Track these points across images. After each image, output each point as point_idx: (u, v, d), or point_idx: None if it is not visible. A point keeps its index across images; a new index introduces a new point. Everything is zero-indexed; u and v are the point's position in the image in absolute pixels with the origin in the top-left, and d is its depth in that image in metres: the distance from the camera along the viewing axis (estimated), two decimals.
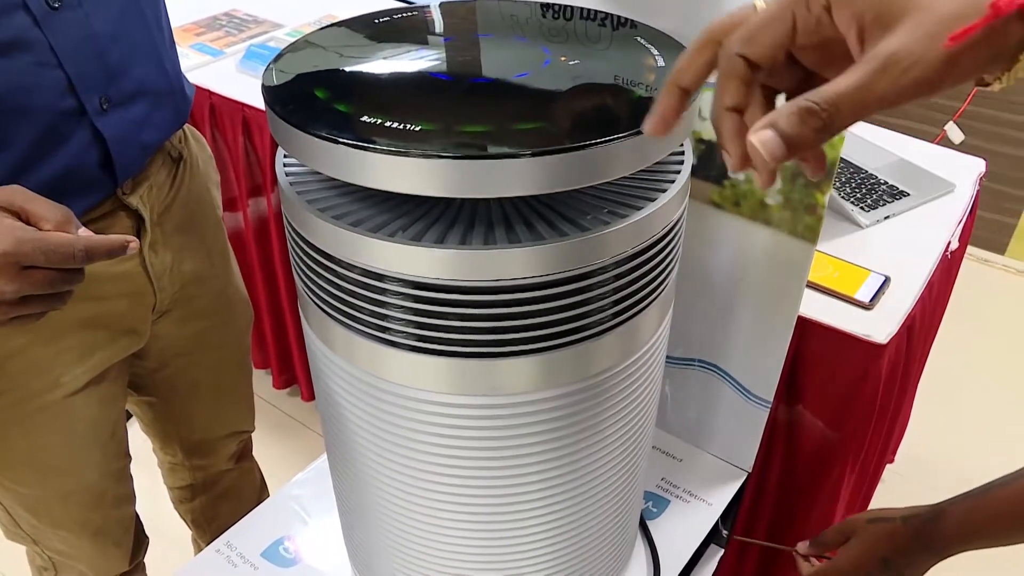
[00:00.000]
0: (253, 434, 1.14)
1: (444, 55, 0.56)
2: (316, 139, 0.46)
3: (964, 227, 1.15)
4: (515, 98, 0.52)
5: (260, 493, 1.18)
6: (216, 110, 1.35)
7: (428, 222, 0.51)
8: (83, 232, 0.54)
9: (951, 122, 2.10)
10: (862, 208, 1.10)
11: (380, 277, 0.50)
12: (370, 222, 0.51)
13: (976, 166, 1.23)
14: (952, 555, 0.68)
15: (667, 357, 0.90)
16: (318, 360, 0.62)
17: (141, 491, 0.97)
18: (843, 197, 1.12)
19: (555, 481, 0.61)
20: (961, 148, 1.47)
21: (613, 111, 0.50)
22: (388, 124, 0.46)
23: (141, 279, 0.78)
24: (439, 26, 0.62)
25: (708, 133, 0.74)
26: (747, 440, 0.87)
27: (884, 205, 1.11)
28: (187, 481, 1.09)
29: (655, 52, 0.56)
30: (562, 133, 0.47)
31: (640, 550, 0.81)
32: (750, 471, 0.90)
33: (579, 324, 0.53)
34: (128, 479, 0.92)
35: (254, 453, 1.17)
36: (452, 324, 0.51)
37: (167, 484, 1.12)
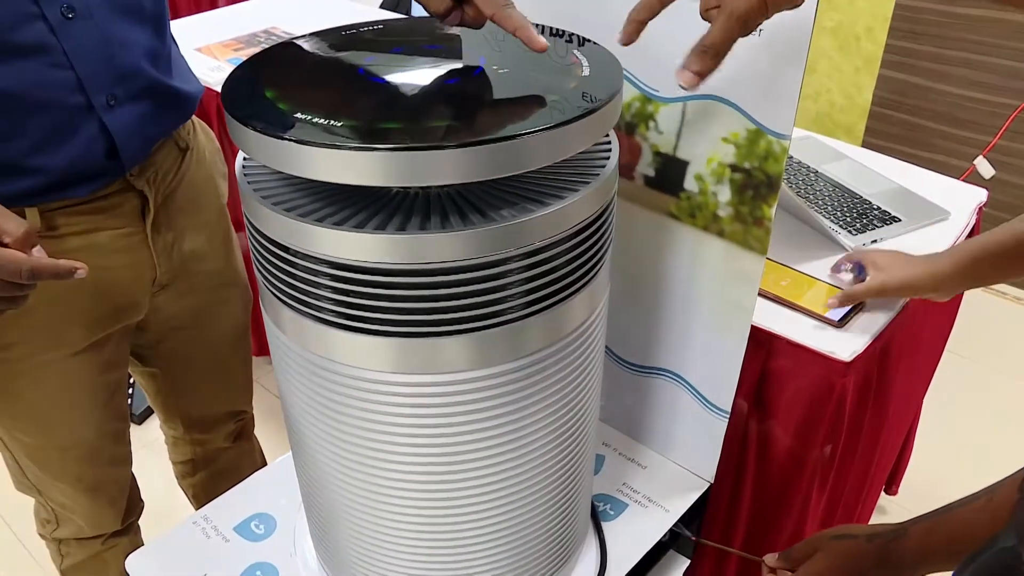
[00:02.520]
0: (259, 417, 1.21)
1: (389, 63, 0.62)
2: (254, 133, 0.51)
3: None
4: (436, 99, 0.58)
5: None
6: None
7: (371, 212, 0.56)
8: (37, 252, 0.62)
9: (981, 156, 2.08)
10: (849, 231, 1.11)
11: (321, 261, 0.55)
12: (318, 212, 0.56)
13: (977, 195, 1.23)
14: None
15: (632, 365, 0.93)
16: (273, 344, 0.67)
17: (156, 477, 1.04)
18: (831, 220, 1.13)
19: (493, 461, 0.65)
20: (990, 183, 1.45)
21: (524, 112, 0.54)
22: (319, 120, 0.51)
23: (143, 253, 0.86)
24: (398, 37, 0.68)
25: (665, 146, 0.78)
26: (707, 449, 0.89)
27: (873, 229, 1.12)
28: (188, 456, 1.16)
29: (585, 64, 0.60)
30: (476, 129, 0.51)
31: (591, 549, 0.84)
32: (711, 481, 0.92)
33: (506, 306, 0.57)
34: (125, 443, 0.99)
35: (259, 435, 1.24)
36: (386, 305, 0.56)
37: (171, 459, 1.20)
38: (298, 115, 0.52)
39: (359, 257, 0.53)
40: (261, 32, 1.76)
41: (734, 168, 0.74)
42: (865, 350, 0.92)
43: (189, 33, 1.77)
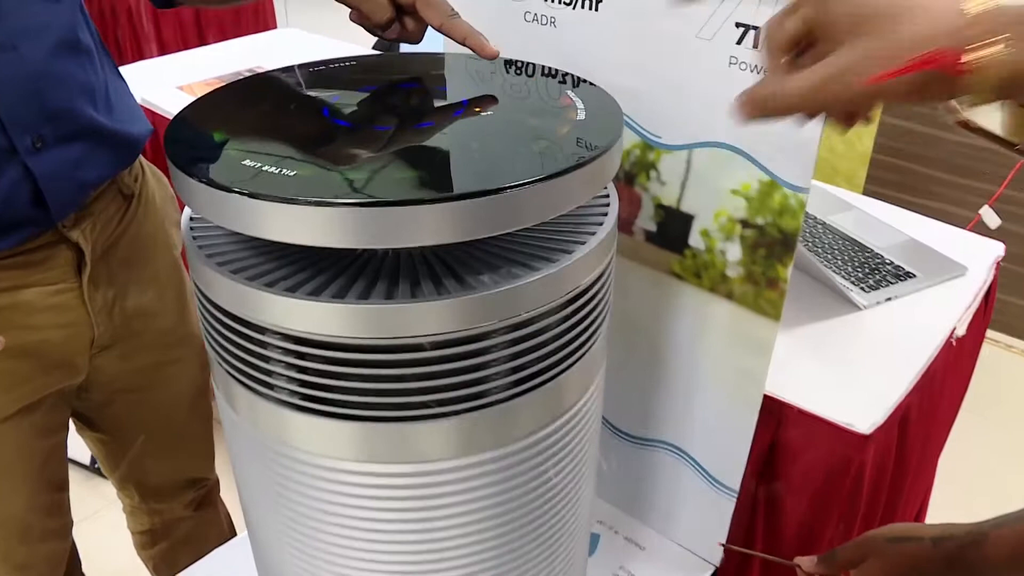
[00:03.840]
0: (227, 480, 1.11)
1: (357, 103, 0.55)
2: (195, 182, 0.44)
3: (977, 313, 1.08)
4: (409, 145, 0.50)
5: (228, 540, 1.14)
6: None
7: (332, 275, 0.48)
8: None
9: (986, 206, 2.02)
10: (862, 288, 1.04)
11: (273, 333, 0.47)
12: (270, 275, 0.48)
13: (994, 249, 1.16)
14: None
15: (629, 436, 0.85)
16: (225, 421, 0.59)
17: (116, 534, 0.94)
18: (843, 276, 1.06)
19: (473, 558, 0.56)
20: (997, 234, 1.39)
21: (511, 162, 0.47)
22: (269, 169, 0.44)
23: (78, 312, 0.78)
24: (371, 75, 0.61)
25: (668, 198, 0.70)
26: (713, 531, 0.81)
27: (887, 286, 1.05)
28: (146, 526, 1.07)
29: (580, 106, 0.53)
30: (455, 181, 0.44)
31: None
32: (717, 565, 0.83)
33: (489, 386, 0.49)
34: (61, 513, 0.89)
35: (227, 499, 1.14)
36: (349, 385, 0.48)
37: (129, 528, 1.10)
38: (247, 162, 0.45)
39: (315, 329, 0.45)
40: (245, 71, 1.70)
41: (745, 223, 0.67)
42: (885, 420, 0.84)
43: (172, 71, 1.71)
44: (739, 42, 0.61)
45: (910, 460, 0.95)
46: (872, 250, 1.13)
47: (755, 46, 0.60)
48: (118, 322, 0.81)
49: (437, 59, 0.65)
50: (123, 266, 0.81)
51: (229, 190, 0.42)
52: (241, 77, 1.73)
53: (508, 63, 0.62)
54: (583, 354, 0.53)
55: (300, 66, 0.61)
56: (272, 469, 0.54)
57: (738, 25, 0.61)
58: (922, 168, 2.28)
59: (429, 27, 0.62)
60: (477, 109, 0.52)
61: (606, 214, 0.53)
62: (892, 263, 1.10)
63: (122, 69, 0.84)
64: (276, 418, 0.51)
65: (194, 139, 0.49)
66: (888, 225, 1.21)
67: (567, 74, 0.60)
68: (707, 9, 0.62)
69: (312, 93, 0.57)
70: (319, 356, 0.46)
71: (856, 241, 1.16)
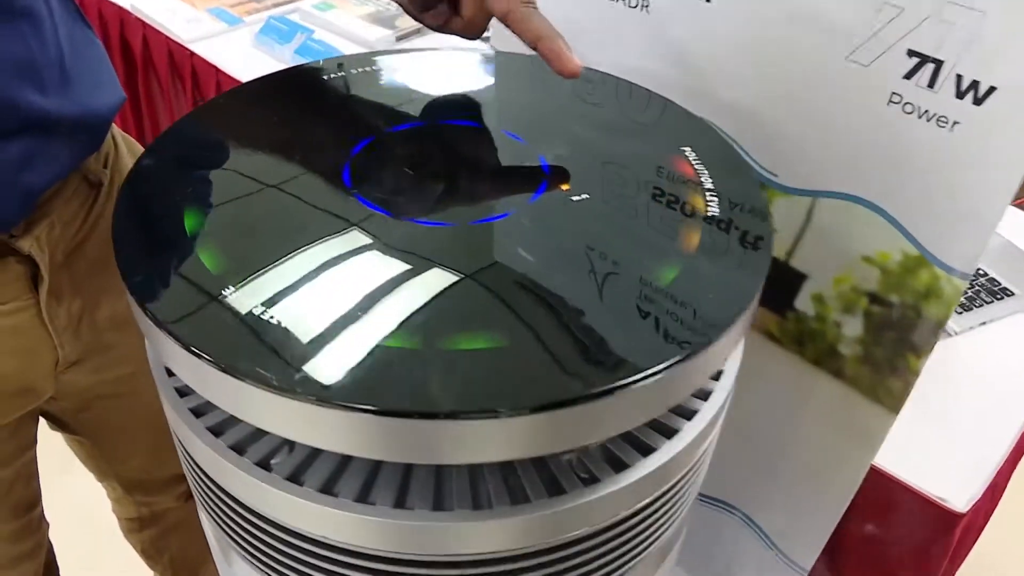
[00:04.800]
0: None
1: (389, 156, 0.40)
2: (153, 324, 0.30)
3: None
4: (472, 277, 0.33)
5: None
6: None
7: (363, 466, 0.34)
8: None
9: None
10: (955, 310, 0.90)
11: (275, 525, 0.34)
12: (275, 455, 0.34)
13: None
14: None
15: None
16: None
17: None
18: None
19: None
20: None
21: (609, 330, 0.32)
22: (259, 313, 0.30)
23: (36, 333, 0.63)
24: (395, 95, 0.45)
25: (777, 249, 0.56)
26: None
27: (981, 307, 0.91)
28: (133, 514, 0.97)
29: (708, 187, 0.38)
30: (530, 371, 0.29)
31: None
32: None
33: None
34: (31, 533, 0.79)
35: None
36: None
37: (114, 512, 1.01)
38: (226, 293, 0.31)
39: (324, 533, 0.33)
40: None
41: (874, 298, 0.53)
42: (983, 493, 0.72)
43: None
44: (908, 76, 0.46)
45: (981, 524, 0.85)
46: None
47: (930, 85, 0.45)
48: (87, 338, 0.67)
49: (474, 57, 0.49)
50: (92, 270, 0.65)
51: (238, 376, 0.28)
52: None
53: (585, 79, 0.46)
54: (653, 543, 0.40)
55: (299, 73, 0.46)
56: None
57: (912, 54, 0.45)
58: None
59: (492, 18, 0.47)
60: (564, 187, 0.38)
61: (712, 390, 0.38)
62: (986, 275, 0.96)
63: None
64: None
65: (152, 218, 0.35)
66: None
67: (669, 105, 0.44)
68: (867, 26, 0.46)
69: (322, 131, 0.41)
70: (333, 560, 0.34)
71: None
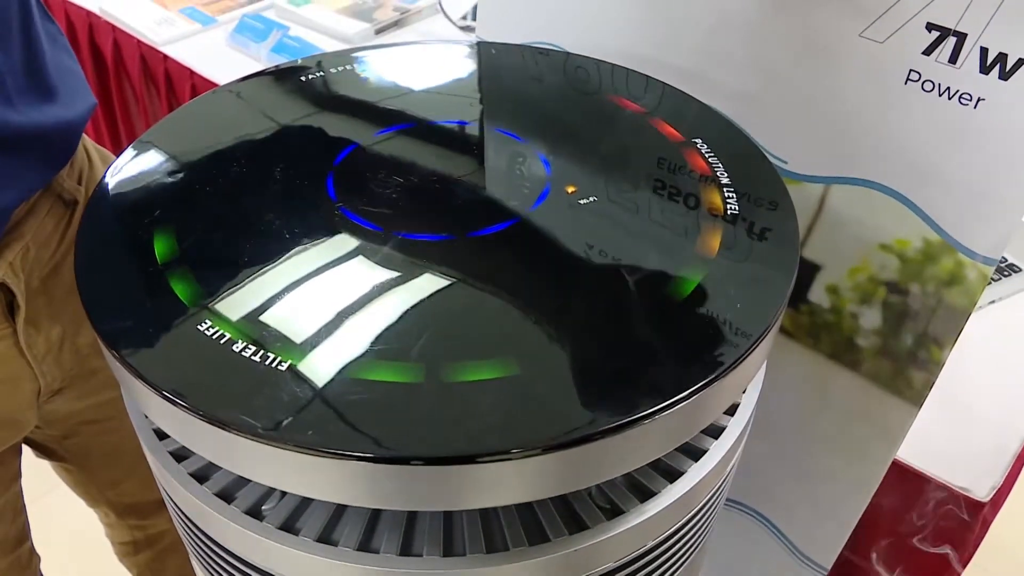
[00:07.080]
0: None
1: (375, 167, 0.37)
2: (120, 364, 0.27)
3: None
4: (473, 297, 0.31)
5: None
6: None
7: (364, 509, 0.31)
8: None
9: None
10: None
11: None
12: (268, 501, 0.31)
13: None
14: None
15: None
16: None
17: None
18: None
19: None
20: None
21: (627, 354, 0.29)
22: (246, 350, 0.27)
23: (15, 364, 0.60)
24: (391, 92, 0.42)
25: None
26: None
27: (988, 285, 0.89)
28: (127, 538, 0.94)
29: (726, 184, 0.36)
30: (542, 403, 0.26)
31: None
32: None
33: None
34: (20, 569, 0.76)
35: None
36: None
37: (107, 537, 0.97)
38: (206, 326, 0.28)
39: None
40: None
41: (893, 288, 0.50)
42: (1003, 482, 0.70)
43: None
44: (928, 52, 0.43)
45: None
46: None
47: (952, 60, 0.42)
48: (70, 365, 0.64)
49: (459, 50, 0.46)
50: (71, 294, 0.61)
51: (220, 425, 0.25)
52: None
53: (578, 66, 0.43)
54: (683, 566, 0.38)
55: (276, 76, 0.42)
56: None
57: (931, 28, 0.42)
58: None
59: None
60: (570, 189, 0.35)
61: (739, 403, 0.36)
62: None
63: None
64: None
65: (131, 277, 0.31)
66: None
67: (688, 98, 0.41)
68: None
69: (302, 140, 0.38)
70: None
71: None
